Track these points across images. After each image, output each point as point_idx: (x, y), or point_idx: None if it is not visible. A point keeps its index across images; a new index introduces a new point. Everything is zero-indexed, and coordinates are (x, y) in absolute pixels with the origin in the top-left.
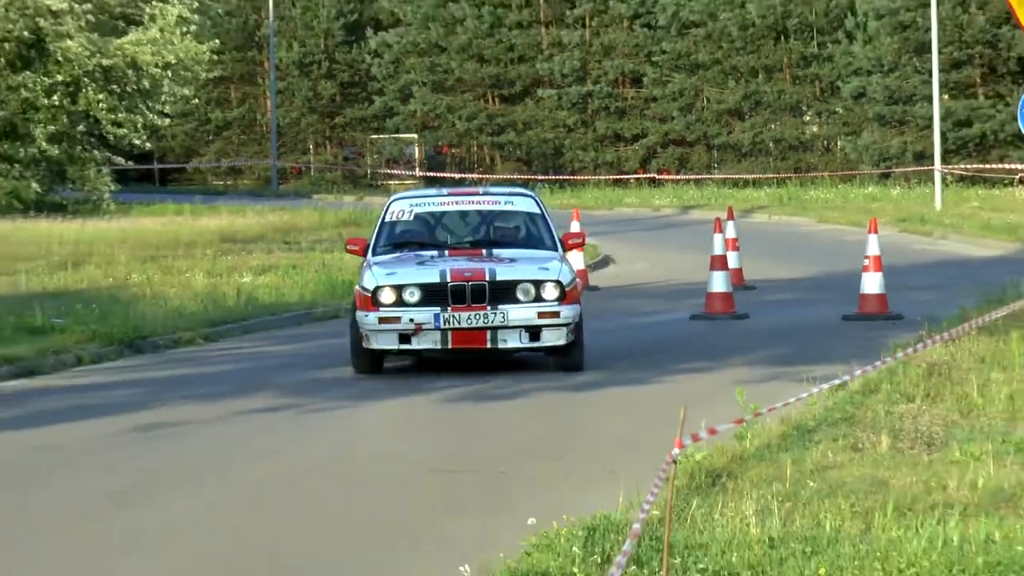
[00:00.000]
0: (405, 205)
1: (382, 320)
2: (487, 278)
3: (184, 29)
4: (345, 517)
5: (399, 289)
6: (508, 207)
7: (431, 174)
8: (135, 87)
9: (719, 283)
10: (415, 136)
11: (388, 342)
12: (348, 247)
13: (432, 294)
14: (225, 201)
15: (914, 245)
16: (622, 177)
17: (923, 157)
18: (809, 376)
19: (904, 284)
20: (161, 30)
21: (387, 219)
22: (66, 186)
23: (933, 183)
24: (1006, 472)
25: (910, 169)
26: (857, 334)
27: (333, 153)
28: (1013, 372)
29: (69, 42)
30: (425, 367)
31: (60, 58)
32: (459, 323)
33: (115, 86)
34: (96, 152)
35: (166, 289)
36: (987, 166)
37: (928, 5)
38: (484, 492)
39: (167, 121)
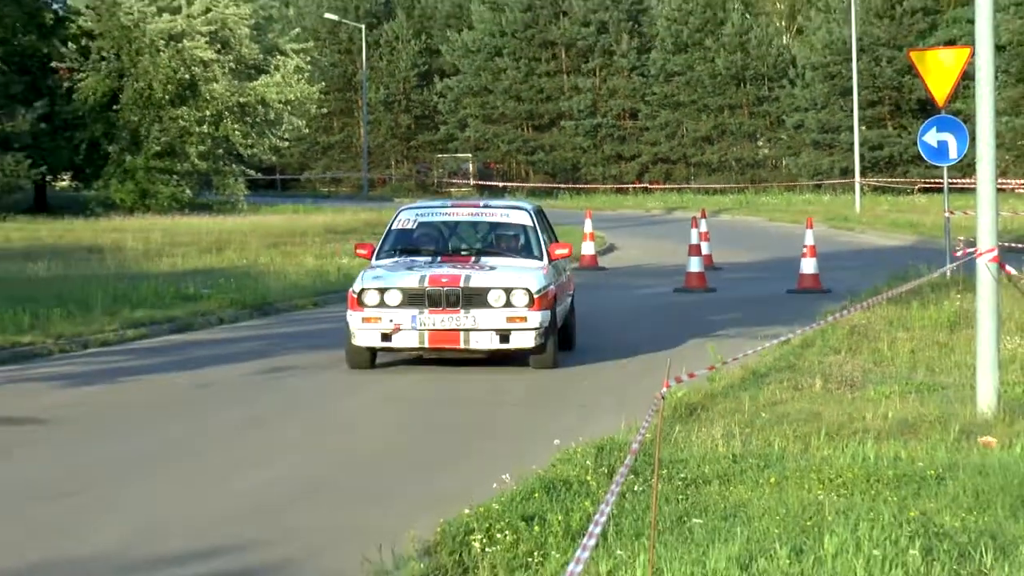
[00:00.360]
0: (411, 215)
1: (365, 320)
2: (461, 284)
3: (299, 76)
4: (410, 437)
5: (382, 292)
6: (504, 219)
7: (482, 183)
8: (263, 118)
9: (695, 265)
10: (470, 155)
11: (371, 340)
12: (357, 251)
13: (412, 297)
14: (329, 203)
15: (840, 237)
16: (623, 186)
17: (846, 172)
18: (762, 335)
19: (832, 266)
20: (282, 76)
21: (394, 227)
22: (211, 191)
23: (854, 192)
24: (909, 407)
25: (837, 181)
26: (797, 303)
27: (409, 168)
28: (914, 332)
29: (215, 85)
30: None
31: (208, 96)
32: (434, 325)
33: (248, 118)
34: (234, 166)
35: (285, 267)
36: (894, 180)
37: (850, 60)
38: (516, 421)
39: (286, 144)
